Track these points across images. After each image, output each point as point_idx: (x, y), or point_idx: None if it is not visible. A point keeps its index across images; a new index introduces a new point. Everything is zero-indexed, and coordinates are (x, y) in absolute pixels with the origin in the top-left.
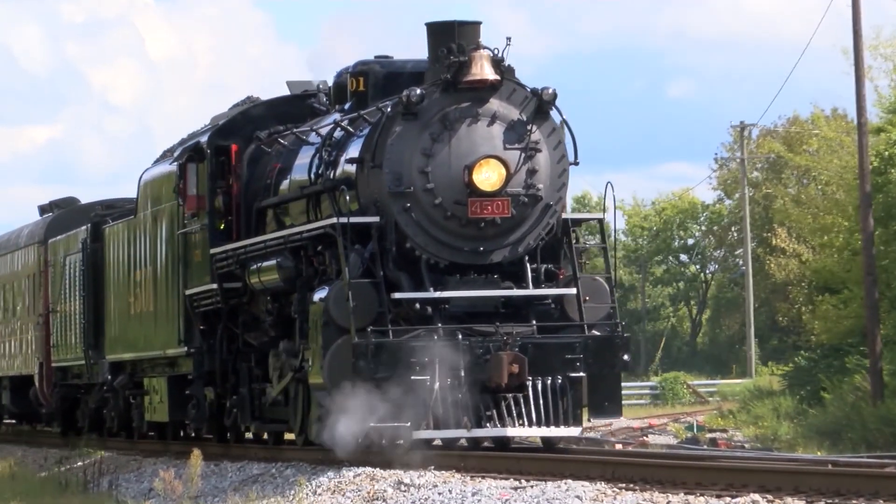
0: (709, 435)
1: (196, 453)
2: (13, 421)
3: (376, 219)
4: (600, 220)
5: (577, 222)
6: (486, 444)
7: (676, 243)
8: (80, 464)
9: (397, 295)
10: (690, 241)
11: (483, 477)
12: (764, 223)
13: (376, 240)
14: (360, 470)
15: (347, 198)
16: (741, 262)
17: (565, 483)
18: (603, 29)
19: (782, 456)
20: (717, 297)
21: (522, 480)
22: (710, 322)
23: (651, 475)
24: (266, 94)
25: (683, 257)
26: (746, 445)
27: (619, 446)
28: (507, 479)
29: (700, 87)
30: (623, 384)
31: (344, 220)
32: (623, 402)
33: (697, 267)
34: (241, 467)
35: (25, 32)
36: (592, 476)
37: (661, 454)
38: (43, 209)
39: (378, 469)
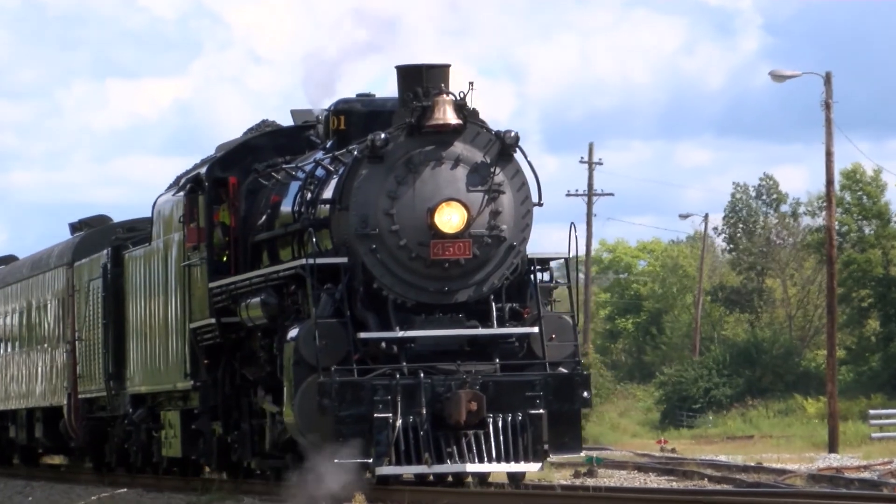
0: None
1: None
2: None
3: (344, 260)
4: (566, 259)
5: (543, 261)
6: (449, 479)
7: None
8: None
9: (364, 335)
10: None
11: None
12: None
13: (345, 280)
14: None
15: (323, 237)
16: None
17: None
18: None
19: None
20: None
21: None
22: None
23: None
24: None
25: None
26: None
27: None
28: None
29: None
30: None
31: (312, 261)
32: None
33: None
34: None
35: None
36: None
37: None
38: (74, 227)
39: None
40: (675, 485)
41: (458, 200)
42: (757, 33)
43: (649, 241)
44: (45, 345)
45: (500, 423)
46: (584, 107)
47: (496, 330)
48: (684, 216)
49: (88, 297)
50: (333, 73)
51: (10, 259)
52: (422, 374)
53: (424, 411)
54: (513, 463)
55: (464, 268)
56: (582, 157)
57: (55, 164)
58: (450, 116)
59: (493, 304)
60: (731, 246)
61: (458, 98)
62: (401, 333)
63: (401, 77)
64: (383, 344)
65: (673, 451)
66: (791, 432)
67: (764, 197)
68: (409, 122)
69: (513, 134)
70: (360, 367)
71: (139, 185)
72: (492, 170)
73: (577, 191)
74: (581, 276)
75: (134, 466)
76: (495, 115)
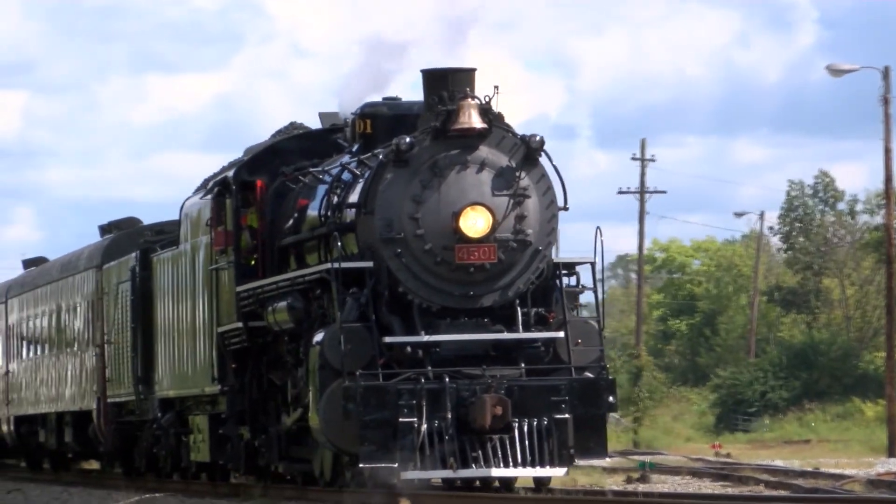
0: None
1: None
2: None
3: (369, 264)
4: (592, 264)
5: (569, 266)
6: (477, 483)
7: None
8: None
9: (388, 339)
10: None
11: None
12: None
13: (370, 284)
14: None
15: (349, 242)
16: None
17: None
18: None
19: None
20: None
21: None
22: None
23: None
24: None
25: None
26: None
27: None
28: None
29: None
30: None
31: (337, 265)
32: None
33: None
34: None
35: None
36: None
37: None
38: (103, 230)
39: None
40: (730, 491)
41: (483, 205)
42: (813, 27)
43: (703, 240)
44: (75, 348)
45: (525, 428)
46: (636, 101)
47: (521, 334)
48: (739, 214)
49: (117, 300)
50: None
51: (40, 261)
52: (447, 379)
53: (449, 416)
54: (538, 468)
55: (489, 272)
56: (634, 154)
57: (91, 160)
58: (475, 120)
59: (519, 308)
60: (787, 245)
61: (484, 102)
62: (426, 338)
63: (426, 81)
64: (408, 348)
65: (728, 455)
66: (849, 436)
67: (821, 195)
68: (434, 126)
69: (538, 138)
70: (385, 371)
71: (177, 182)
72: (517, 174)
73: (628, 188)
74: (633, 276)
75: (163, 471)
76: (544, 110)
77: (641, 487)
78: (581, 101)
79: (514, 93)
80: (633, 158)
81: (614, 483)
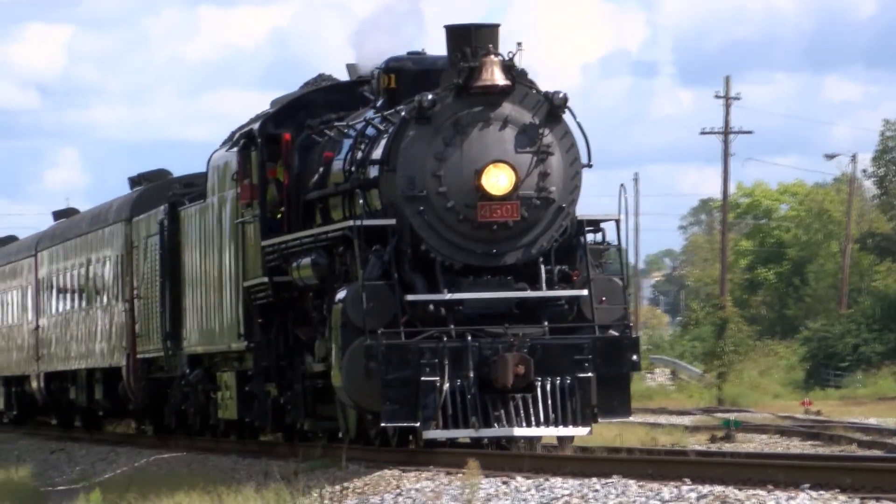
0: None
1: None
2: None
3: (392, 221)
4: (616, 221)
5: (593, 223)
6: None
7: None
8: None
9: (411, 297)
10: None
11: None
12: None
13: (393, 242)
14: None
15: (373, 198)
16: None
17: None
18: None
19: None
20: None
21: None
22: None
23: None
24: None
25: None
26: None
27: None
28: None
29: None
30: None
31: (359, 223)
32: None
33: None
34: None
35: None
36: None
37: None
38: (133, 181)
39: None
40: (820, 450)
41: (506, 162)
42: None
43: (792, 184)
44: (105, 302)
45: (548, 387)
46: (721, 36)
47: (545, 293)
48: (830, 156)
49: (147, 254)
50: None
51: (70, 212)
52: (469, 338)
53: (472, 375)
54: (561, 427)
55: (512, 230)
56: (718, 92)
57: (140, 99)
58: (497, 77)
59: (542, 266)
60: (882, 189)
61: (507, 58)
62: (448, 296)
63: (450, 37)
64: (431, 307)
65: (818, 413)
66: None
67: None
68: (456, 83)
69: (561, 95)
70: (407, 329)
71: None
72: (540, 131)
73: (712, 128)
74: (717, 222)
75: (192, 429)
76: (624, 45)
77: (726, 447)
78: (663, 35)
79: (592, 27)
80: (717, 96)
81: (697, 442)
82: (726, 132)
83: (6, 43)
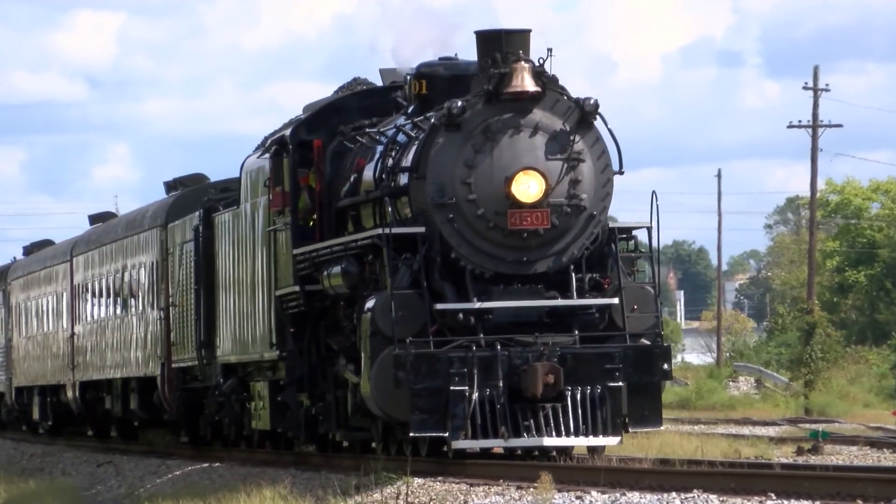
0: None
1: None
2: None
3: (421, 229)
4: (648, 229)
5: (625, 231)
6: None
7: None
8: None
9: (440, 306)
10: None
11: None
12: None
13: (422, 250)
14: None
15: (403, 206)
16: None
17: None
18: None
19: None
20: None
21: None
22: None
23: None
24: None
25: None
26: None
27: None
28: None
29: None
30: None
31: (388, 231)
32: None
33: None
34: None
35: None
36: None
37: None
38: (168, 186)
39: None
40: None
41: (537, 169)
42: None
43: (884, 181)
44: (140, 310)
45: (578, 396)
46: (811, 24)
47: (575, 301)
48: None
49: (182, 261)
50: None
51: (107, 216)
52: (499, 347)
53: (501, 384)
54: (591, 437)
55: (542, 238)
56: (806, 83)
57: (196, 90)
58: (528, 83)
59: (573, 274)
60: None
61: (537, 64)
62: (478, 304)
63: (480, 43)
64: (460, 315)
65: None
66: None
67: None
68: (486, 90)
69: (592, 101)
70: (436, 339)
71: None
72: (571, 138)
73: (800, 121)
74: (805, 221)
75: (227, 439)
76: (708, 33)
77: (813, 459)
78: (749, 23)
79: (673, 14)
80: (805, 88)
81: (782, 455)
82: (814, 126)
83: (53, 31)
